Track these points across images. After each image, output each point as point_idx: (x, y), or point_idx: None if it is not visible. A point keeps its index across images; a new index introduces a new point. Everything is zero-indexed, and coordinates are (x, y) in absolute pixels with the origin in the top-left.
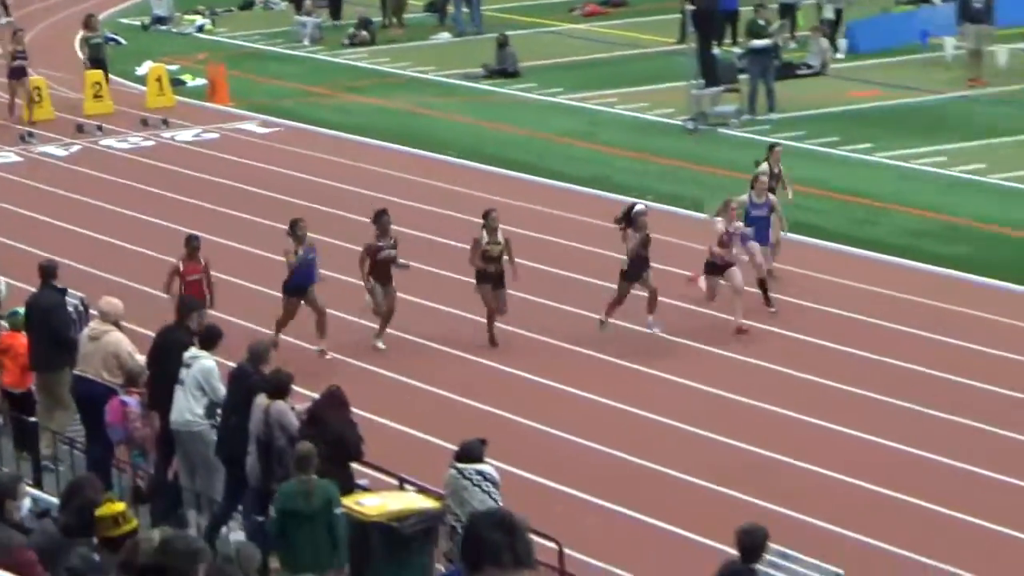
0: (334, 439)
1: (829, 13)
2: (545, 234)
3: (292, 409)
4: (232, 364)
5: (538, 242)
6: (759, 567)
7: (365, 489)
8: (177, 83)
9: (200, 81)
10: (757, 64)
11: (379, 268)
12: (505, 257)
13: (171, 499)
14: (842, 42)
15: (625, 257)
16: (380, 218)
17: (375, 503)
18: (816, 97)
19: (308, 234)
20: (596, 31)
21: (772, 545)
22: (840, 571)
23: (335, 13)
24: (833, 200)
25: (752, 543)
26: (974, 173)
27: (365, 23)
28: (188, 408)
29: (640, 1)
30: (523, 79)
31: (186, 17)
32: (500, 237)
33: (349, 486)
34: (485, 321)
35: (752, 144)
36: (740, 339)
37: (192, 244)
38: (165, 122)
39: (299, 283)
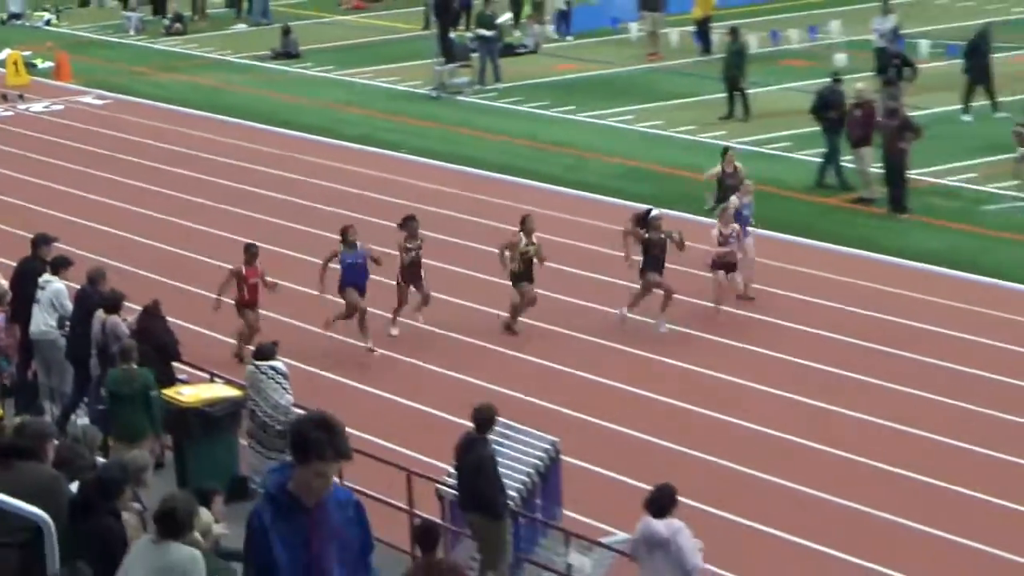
0: (158, 344)
1: (561, 4)
2: (340, 184)
3: (124, 321)
4: (76, 286)
5: (333, 191)
6: (490, 436)
7: (184, 382)
8: (30, 66)
9: (48, 64)
10: (485, 46)
11: (408, 267)
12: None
13: (30, 394)
14: (551, 28)
15: (640, 257)
16: (408, 223)
17: (191, 392)
18: (531, 70)
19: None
20: (359, 21)
21: (499, 418)
22: (556, 439)
23: (158, 10)
24: (547, 151)
25: (484, 417)
26: (655, 128)
27: (178, 17)
28: (43, 321)
29: None
30: (303, 60)
31: (36, 13)
32: (535, 239)
33: (171, 380)
34: (507, 313)
35: (482, 108)
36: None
37: (251, 251)
38: (21, 96)
39: (351, 282)
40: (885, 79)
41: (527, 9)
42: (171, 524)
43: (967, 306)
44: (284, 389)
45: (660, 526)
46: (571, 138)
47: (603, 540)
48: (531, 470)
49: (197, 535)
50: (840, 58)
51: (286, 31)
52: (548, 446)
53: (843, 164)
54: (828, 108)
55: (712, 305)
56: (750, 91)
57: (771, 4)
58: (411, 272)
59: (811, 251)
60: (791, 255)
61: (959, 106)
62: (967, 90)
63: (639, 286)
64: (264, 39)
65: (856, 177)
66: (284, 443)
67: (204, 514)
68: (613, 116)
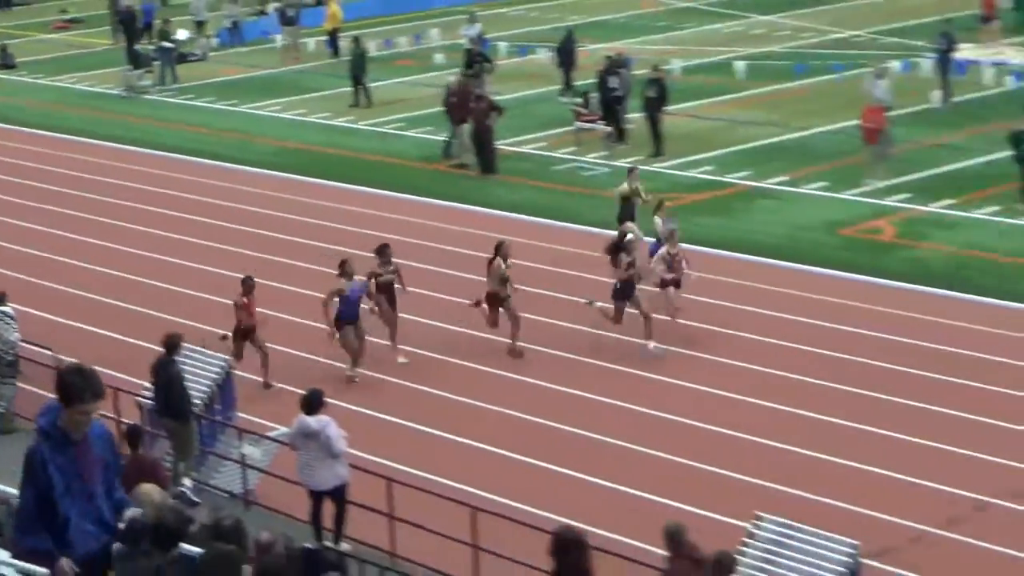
0: None
1: (228, 23)
2: (58, 168)
3: None
4: None
5: (51, 174)
6: (177, 357)
7: None
8: None
9: None
10: (165, 55)
11: (381, 290)
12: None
13: None
14: (216, 40)
15: (615, 280)
16: (384, 251)
17: None
18: (202, 74)
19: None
20: (63, 38)
21: (186, 344)
22: (228, 358)
23: None
24: (218, 135)
25: (172, 343)
26: (299, 115)
27: None
28: None
29: (90, 19)
30: (19, 70)
31: None
32: (510, 263)
33: None
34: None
35: (164, 104)
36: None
37: (247, 283)
38: None
39: (348, 316)
40: (471, 73)
41: (205, 27)
42: None
43: (546, 244)
44: (13, 329)
45: (312, 421)
46: (236, 125)
47: (269, 434)
48: (210, 382)
49: None
50: (439, 58)
51: (2, 47)
52: (223, 363)
53: (444, 138)
54: (461, 99)
55: (668, 318)
56: (371, 85)
57: (386, 17)
58: (385, 295)
59: (422, 206)
60: (406, 210)
61: (537, 90)
62: (565, 78)
63: (612, 307)
64: None
65: (457, 148)
66: (13, 371)
67: None
68: (267, 107)
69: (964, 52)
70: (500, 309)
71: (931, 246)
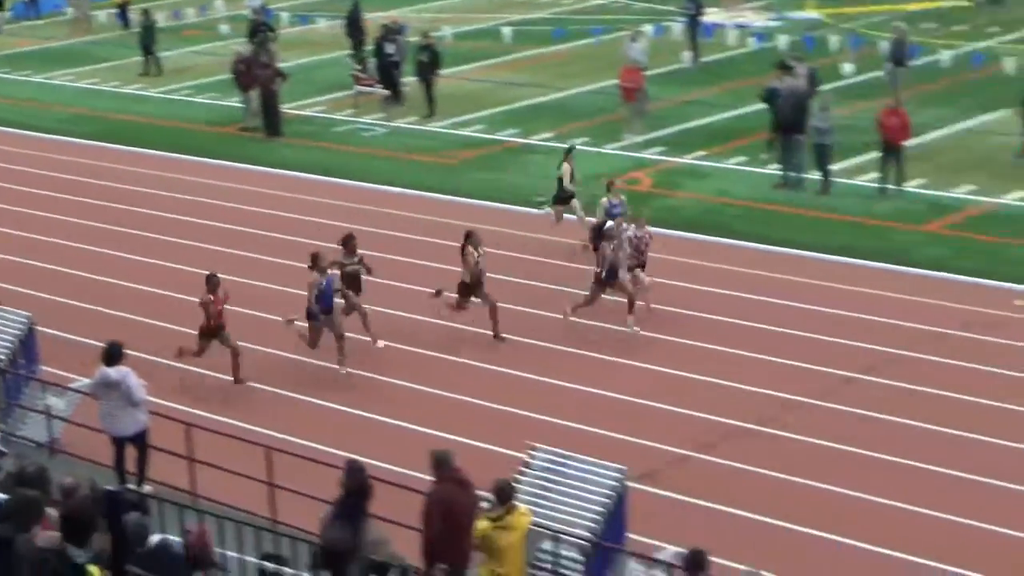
0: None
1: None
2: None
3: None
4: None
5: None
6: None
7: None
8: None
9: None
10: None
11: (348, 280)
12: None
13: None
14: (10, 14)
15: (599, 269)
16: (348, 242)
17: None
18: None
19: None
20: None
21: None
22: (29, 314)
23: None
24: (14, 104)
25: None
26: (92, 84)
27: None
28: None
29: None
30: None
31: None
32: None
33: None
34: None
35: None
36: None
37: (212, 281)
38: None
39: (323, 308)
40: (257, 41)
41: (5, 4)
42: None
43: (330, 200)
44: None
45: (112, 372)
46: (31, 95)
47: (72, 385)
48: (13, 338)
49: None
50: (225, 28)
51: None
52: (23, 321)
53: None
54: (248, 66)
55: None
56: (161, 54)
57: None
58: (351, 285)
59: (213, 168)
60: (199, 172)
61: (319, 56)
62: (353, 45)
63: (590, 292)
64: None
65: (245, 113)
66: None
67: None
68: (60, 77)
69: (710, 16)
70: (472, 298)
71: (685, 195)
